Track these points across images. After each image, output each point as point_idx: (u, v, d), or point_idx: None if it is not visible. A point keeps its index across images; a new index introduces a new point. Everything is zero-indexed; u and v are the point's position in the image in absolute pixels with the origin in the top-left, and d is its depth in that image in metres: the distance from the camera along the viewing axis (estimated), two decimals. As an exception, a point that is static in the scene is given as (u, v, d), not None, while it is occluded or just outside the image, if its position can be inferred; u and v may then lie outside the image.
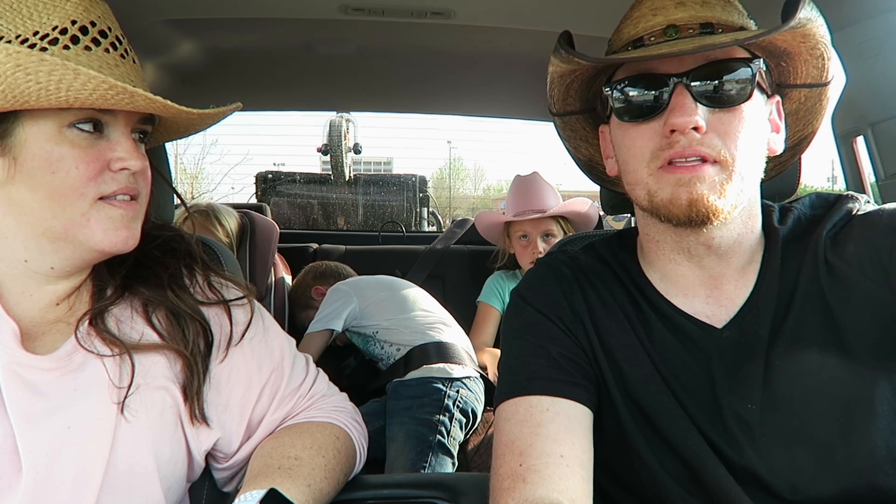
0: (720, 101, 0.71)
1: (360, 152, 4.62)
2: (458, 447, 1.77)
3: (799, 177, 1.04)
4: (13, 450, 0.70)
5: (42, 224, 0.73)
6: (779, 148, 0.78)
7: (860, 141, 1.47)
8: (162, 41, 1.69)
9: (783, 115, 0.79)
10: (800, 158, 0.90)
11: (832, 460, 0.70)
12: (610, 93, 0.77)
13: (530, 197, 2.15)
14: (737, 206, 0.72)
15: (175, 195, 1.10)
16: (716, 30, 0.73)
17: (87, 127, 0.72)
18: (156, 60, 1.77)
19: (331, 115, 4.36)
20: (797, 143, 0.86)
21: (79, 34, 0.72)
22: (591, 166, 0.94)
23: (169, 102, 0.72)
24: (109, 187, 0.74)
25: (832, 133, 1.51)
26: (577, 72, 0.79)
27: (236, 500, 0.73)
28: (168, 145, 1.12)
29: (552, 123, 0.93)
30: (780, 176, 0.90)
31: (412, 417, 1.75)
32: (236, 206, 2.22)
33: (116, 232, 0.75)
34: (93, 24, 0.73)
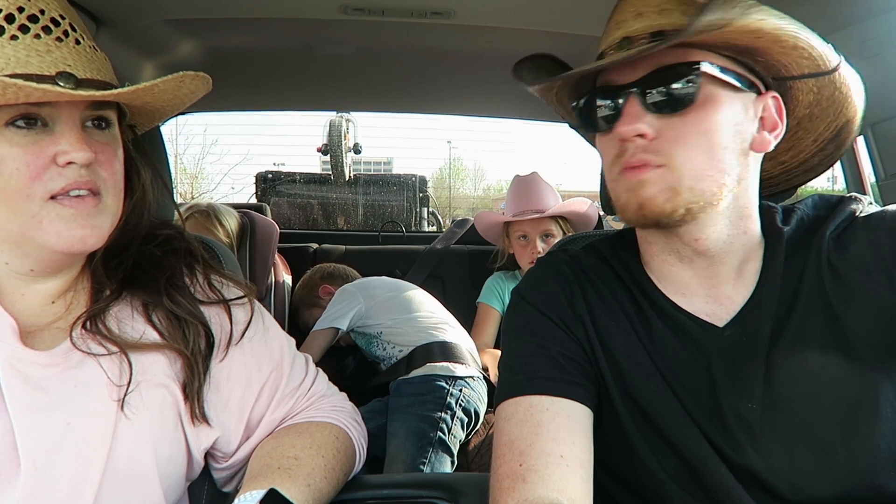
0: (668, 106, 0.72)
1: (360, 152, 4.62)
2: (458, 446, 1.77)
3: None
4: (12, 445, 0.70)
5: (2, 229, 0.71)
6: (769, 146, 0.76)
7: (860, 141, 1.47)
8: (162, 41, 1.69)
9: (785, 112, 0.78)
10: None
11: (833, 461, 0.69)
12: (576, 108, 0.80)
13: (529, 197, 2.15)
14: (694, 207, 0.72)
15: (169, 193, 1.08)
16: (668, 37, 0.72)
17: (23, 123, 0.69)
18: (156, 60, 1.77)
19: (331, 115, 4.35)
20: (836, 134, 0.82)
21: (4, 24, 0.68)
22: None
23: (59, 88, 0.66)
24: (57, 184, 0.69)
25: (832, 133, 1.51)
26: (552, 89, 0.84)
27: (236, 500, 0.73)
28: (168, 145, 1.11)
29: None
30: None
31: (414, 414, 1.76)
32: (236, 206, 2.22)
33: (71, 232, 0.70)
34: (20, 9, 0.69)
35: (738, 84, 0.74)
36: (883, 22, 1.30)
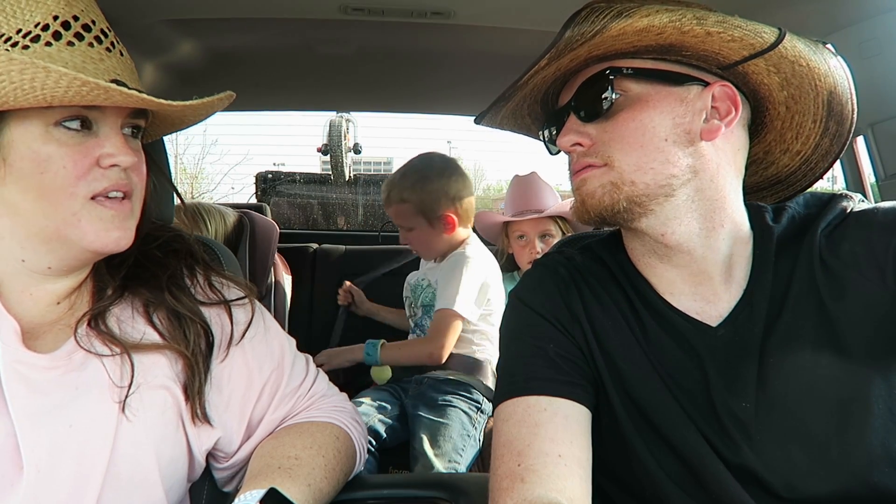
0: (596, 114, 0.77)
1: (360, 152, 4.61)
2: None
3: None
4: (14, 448, 0.70)
5: (35, 225, 0.72)
6: (716, 133, 0.75)
7: (860, 141, 1.47)
8: (162, 41, 1.69)
9: (737, 97, 0.77)
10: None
11: (828, 458, 0.70)
12: (541, 135, 0.90)
13: (528, 197, 2.15)
14: (639, 199, 0.75)
15: (175, 193, 1.10)
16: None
17: (74, 125, 0.71)
18: (156, 60, 1.77)
19: (331, 115, 4.35)
20: (828, 108, 0.81)
21: (61, 30, 0.71)
22: None
23: (146, 96, 0.70)
24: (101, 184, 0.72)
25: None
26: (524, 126, 0.93)
27: (236, 500, 0.73)
28: (168, 145, 1.11)
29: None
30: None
31: (458, 408, 1.80)
32: (236, 206, 2.22)
33: (108, 233, 0.74)
34: (76, 18, 0.72)
35: (664, 81, 0.76)
36: (883, 22, 1.30)
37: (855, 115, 0.81)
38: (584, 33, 0.70)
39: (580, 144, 0.78)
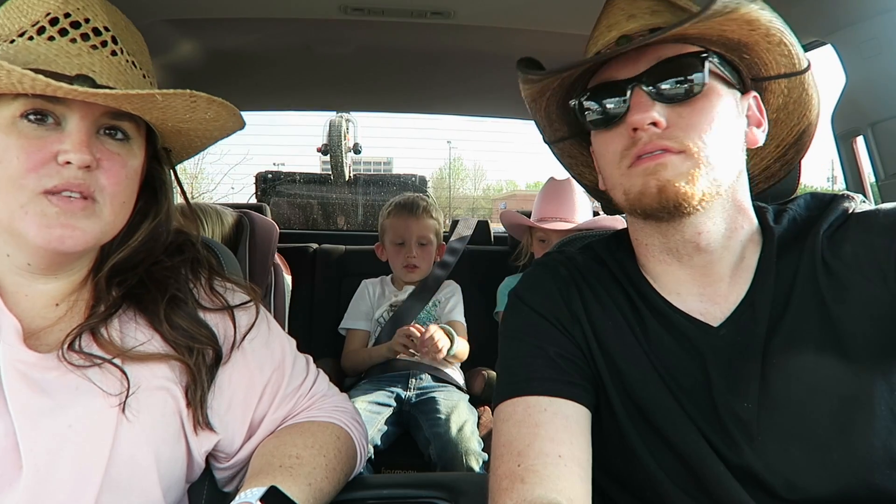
0: (676, 96, 0.73)
1: (360, 152, 4.62)
2: None
3: (798, 177, 1.04)
4: (14, 448, 0.70)
5: None
6: (760, 140, 0.78)
7: (860, 141, 1.47)
8: (162, 41, 1.69)
9: (765, 110, 0.80)
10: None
11: (829, 459, 0.70)
12: (576, 106, 0.81)
13: (558, 204, 2.10)
14: (708, 194, 0.72)
15: (182, 195, 1.09)
16: (674, 26, 0.74)
17: (33, 118, 0.71)
18: (155, 60, 1.76)
19: (331, 115, 4.35)
20: (797, 138, 0.85)
21: (48, 25, 0.71)
22: (599, 192, 0.95)
23: (66, 86, 0.66)
24: (52, 181, 0.70)
25: (832, 133, 1.51)
26: (546, 92, 0.83)
27: (237, 498, 0.73)
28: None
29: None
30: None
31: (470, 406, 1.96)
32: (236, 206, 2.22)
33: (49, 230, 0.70)
34: (67, 15, 0.72)
35: (730, 78, 0.76)
36: (883, 22, 1.30)
37: (809, 147, 0.84)
38: (726, 5, 0.67)
39: (656, 125, 0.72)
